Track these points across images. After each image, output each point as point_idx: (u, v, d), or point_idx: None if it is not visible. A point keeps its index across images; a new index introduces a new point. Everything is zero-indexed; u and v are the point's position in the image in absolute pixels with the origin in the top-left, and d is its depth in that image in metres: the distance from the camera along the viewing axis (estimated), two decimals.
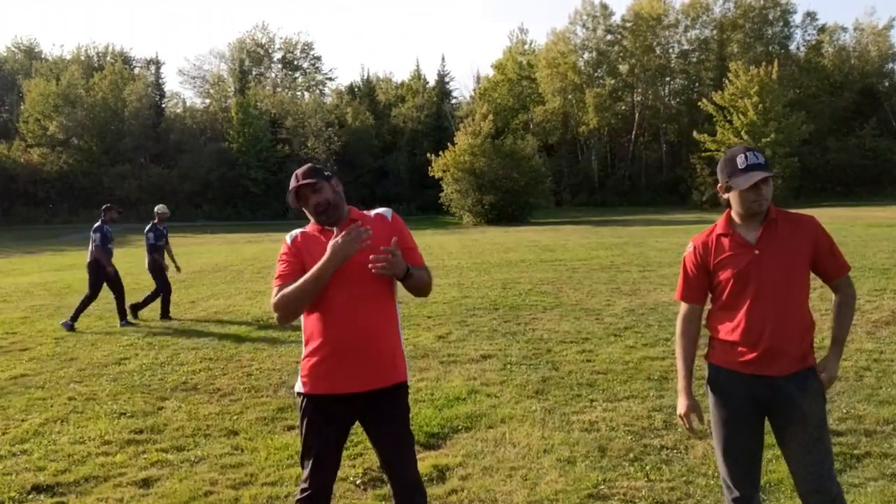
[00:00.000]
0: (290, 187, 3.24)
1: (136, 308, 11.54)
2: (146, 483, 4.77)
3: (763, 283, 2.98)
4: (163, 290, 11.74)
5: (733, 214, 3.11)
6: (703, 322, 3.24)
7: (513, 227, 37.48)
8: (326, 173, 3.29)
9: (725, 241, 3.09)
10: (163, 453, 5.30)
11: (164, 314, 11.56)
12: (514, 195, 42.33)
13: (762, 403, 3.05)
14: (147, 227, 11.91)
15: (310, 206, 3.24)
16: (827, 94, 60.82)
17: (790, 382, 2.98)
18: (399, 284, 3.27)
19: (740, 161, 3.04)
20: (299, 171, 3.29)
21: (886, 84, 63.18)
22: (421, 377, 7.03)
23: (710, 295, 3.23)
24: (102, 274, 11.17)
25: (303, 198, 3.25)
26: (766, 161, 3.07)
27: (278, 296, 3.15)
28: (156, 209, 12.26)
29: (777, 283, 2.98)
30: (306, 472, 3.23)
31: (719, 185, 3.14)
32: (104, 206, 11.75)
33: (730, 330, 3.06)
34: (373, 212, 3.40)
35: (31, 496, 4.63)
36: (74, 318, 10.85)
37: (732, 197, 3.06)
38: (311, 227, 3.33)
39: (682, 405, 3.23)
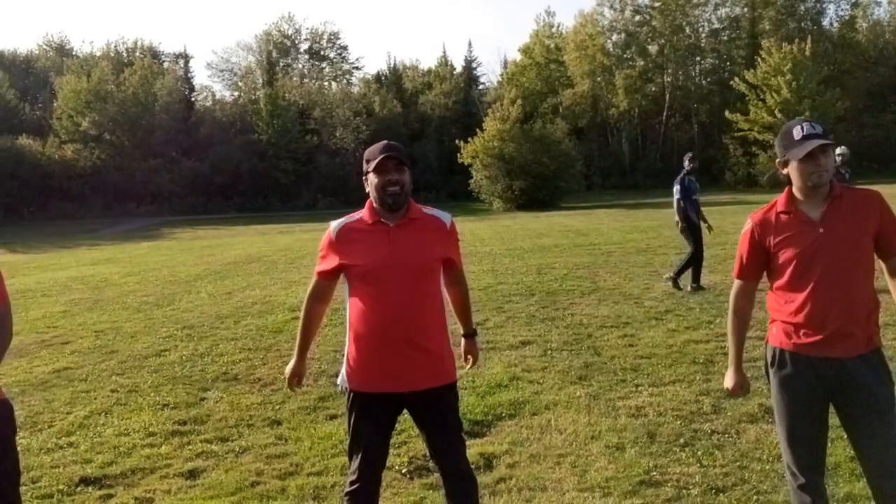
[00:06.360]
0: (374, 153, 3.12)
1: (675, 279, 10.64)
2: (192, 474, 4.77)
3: (829, 262, 2.85)
4: (696, 252, 10.59)
5: (794, 191, 2.98)
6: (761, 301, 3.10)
7: (544, 212, 37.21)
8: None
9: (787, 218, 2.97)
10: (207, 444, 5.30)
11: (695, 281, 10.53)
12: (544, 180, 41.89)
13: (828, 387, 2.94)
14: (678, 177, 10.80)
15: (382, 181, 3.08)
16: (861, 70, 59.37)
17: (857, 364, 2.87)
18: (443, 282, 3.28)
19: (797, 132, 2.93)
20: (383, 143, 3.19)
21: None
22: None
23: (766, 275, 3.11)
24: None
25: (381, 170, 3.09)
26: (826, 130, 2.93)
27: (307, 300, 3.37)
28: (686, 159, 11.07)
29: (843, 262, 2.85)
30: (355, 465, 3.18)
31: (778, 160, 3.03)
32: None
33: (793, 311, 2.93)
34: (432, 211, 3.27)
35: (79, 488, 4.65)
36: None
37: (792, 171, 2.95)
38: (363, 214, 3.20)
39: (730, 380, 3.21)
